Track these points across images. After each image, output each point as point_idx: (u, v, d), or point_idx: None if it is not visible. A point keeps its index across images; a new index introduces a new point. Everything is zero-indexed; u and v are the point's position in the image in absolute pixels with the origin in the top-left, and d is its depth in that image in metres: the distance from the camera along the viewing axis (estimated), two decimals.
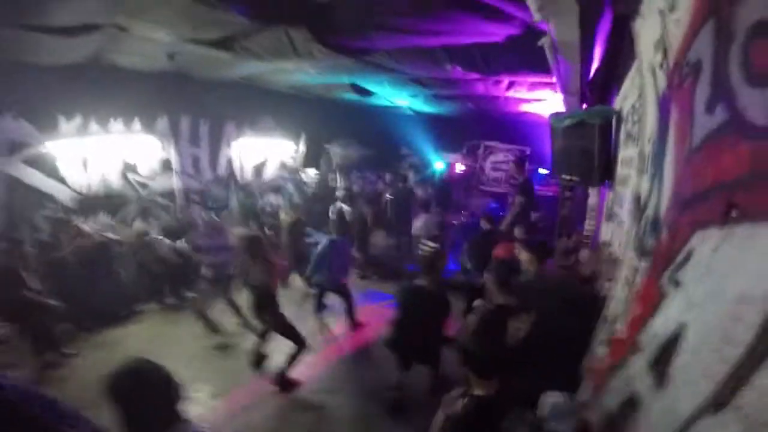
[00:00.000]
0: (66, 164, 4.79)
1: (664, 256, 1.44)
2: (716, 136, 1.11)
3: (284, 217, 6.80)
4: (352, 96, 6.51)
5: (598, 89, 3.66)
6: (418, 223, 5.96)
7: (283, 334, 3.53)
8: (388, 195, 7.96)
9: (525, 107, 6.29)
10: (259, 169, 7.38)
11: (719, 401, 0.80)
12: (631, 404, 1.24)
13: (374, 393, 3.61)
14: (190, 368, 3.96)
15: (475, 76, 4.28)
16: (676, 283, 1.23)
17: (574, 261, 4.54)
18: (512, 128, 8.76)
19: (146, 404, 1.32)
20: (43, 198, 4.64)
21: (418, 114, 8.95)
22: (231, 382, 3.84)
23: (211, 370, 4.05)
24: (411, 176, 9.47)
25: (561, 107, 4.11)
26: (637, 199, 2.20)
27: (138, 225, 5.39)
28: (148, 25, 3.27)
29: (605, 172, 2.91)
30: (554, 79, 3.53)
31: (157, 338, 4.57)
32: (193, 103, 5.95)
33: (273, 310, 3.45)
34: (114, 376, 1.31)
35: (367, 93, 6.34)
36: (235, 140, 6.82)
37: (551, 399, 2.00)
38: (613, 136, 2.83)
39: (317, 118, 7.66)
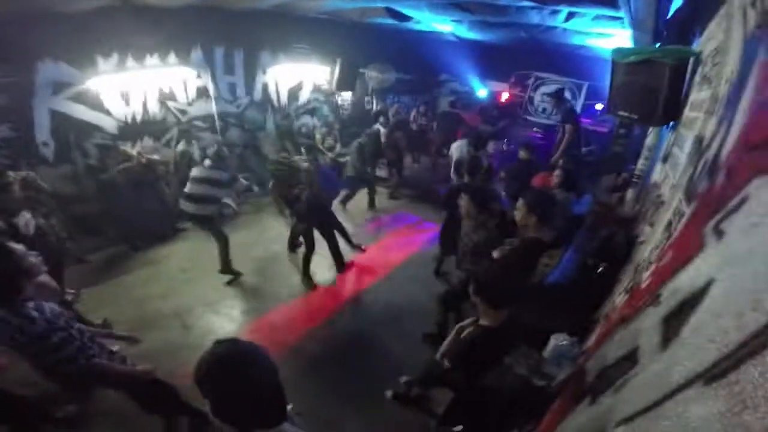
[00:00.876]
0: (108, 98, 5.01)
1: (713, 201, 1.24)
2: None
3: (318, 137, 7.23)
4: (389, 21, 5.99)
5: (677, 29, 3.24)
6: (454, 146, 5.77)
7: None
8: (422, 120, 8.40)
9: (584, 40, 5.50)
10: (294, 93, 7.39)
11: (714, 373, 0.70)
12: (628, 360, 1.16)
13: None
14: (226, 285, 4.42)
15: (528, 3, 3.68)
16: (719, 234, 1.06)
17: (617, 199, 4.27)
18: (568, 61, 7.91)
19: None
20: (91, 128, 4.96)
21: (462, 40, 8.21)
22: (264, 301, 4.21)
23: (246, 288, 4.45)
24: (447, 102, 9.33)
25: (627, 43, 3.57)
26: (698, 140, 1.93)
27: (180, 146, 5.75)
28: None
29: (671, 113, 2.71)
30: (623, 14, 3.01)
31: (199, 255, 4.97)
32: (226, 33, 5.91)
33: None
34: (218, 358, 1.07)
35: (404, 18, 5.80)
36: (270, 67, 6.77)
37: (556, 341, 1.99)
38: (687, 78, 2.60)
39: (353, 42, 7.32)
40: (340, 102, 8.27)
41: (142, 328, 3.59)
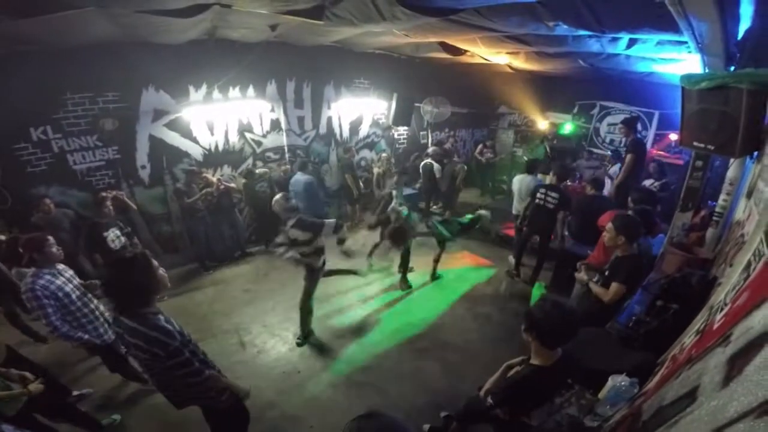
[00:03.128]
0: (197, 126, 5.73)
1: None
2: None
3: (377, 170, 7.50)
4: (443, 54, 6.21)
5: (751, 50, 2.98)
6: (516, 183, 5.65)
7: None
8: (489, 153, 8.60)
9: (651, 66, 5.21)
10: (355, 127, 7.80)
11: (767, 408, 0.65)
12: (687, 398, 1.06)
13: None
14: (284, 307, 4.67)
15: (585, 32, 3.64)
16: None
17: (695, 239, 3.87)
18: (635, 89, 7.50)
19: None
20: (181, 154, 5.68)
21: (518, 71, 8.16)
22: (316, 323, 4.32)
23: (297, 309, 4.60)
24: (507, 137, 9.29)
25: (698, 68, 3.36)
26: None
27: (259, 169, 6.26)
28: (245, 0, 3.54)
29: (752, 143, 2.52)
30: (686, 38, 2.87)
31: (262, 278, 5.41)
32: (296, 69, 6.47)
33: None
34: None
35: (457, 51, 5.98)
36: (334, 101, 7.25)
37: (614, 382, 1.84)
38: None
39: (408, 76, 7.65)
40: (396, 136, 8.55)
41: (202, 340, 3.83)
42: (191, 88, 5.52)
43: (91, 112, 4.80)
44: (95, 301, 2.94)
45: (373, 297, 4.91)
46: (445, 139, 8.81)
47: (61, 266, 2.82)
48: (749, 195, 2.79)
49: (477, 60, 6.82)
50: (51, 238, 2.74)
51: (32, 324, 3.95)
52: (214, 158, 6.00)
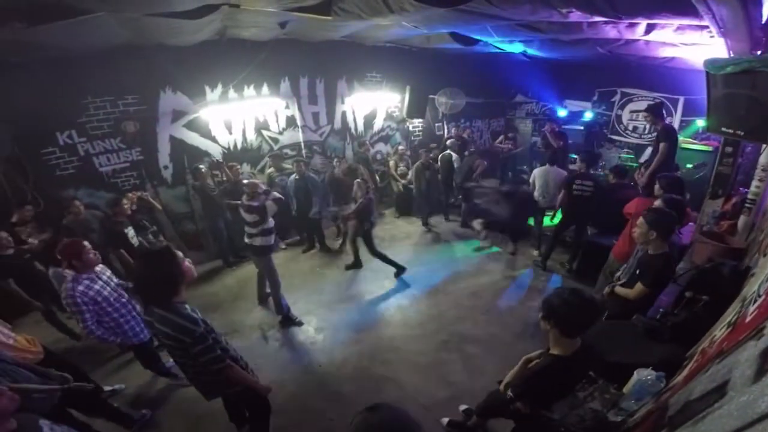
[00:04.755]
0: (215, 126, 5.84)
1: None
2: None
3: (392, 164, 7.55)
4: (455, 45, 6.10)
5: None
6: (539, 177, 5.51)
7: None
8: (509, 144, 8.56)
9: (673, 52, 4.98)
10: (369, 121, 7.80)
11: None
12: (716, 393, 1.03)
13: None
14: (305, 302, 4.75)
15: (600, 18, 3.51)
16: None
17: (726, 227, 3.72)
18: (658, 75, 7.21)
19: None
20: (201, 153, 5.79)
21: (534, 60, 7.96)
22: (337, 317, 4.44)
23: (318, 303, 4.75)
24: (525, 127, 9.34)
25: (723, 53, 3.19)
26: None
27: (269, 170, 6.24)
28: None
29: None
30: (707, 22, 2.73)
31: (284, 273, 5.44)
32: (308, 65, 6.48)
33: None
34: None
35: (470, 41, 5.84)
36: (348, 96, 7.25)
37: (639, 376, 1.79)
38: None
39: (421, 68, 7.55)
40: (411, 129, 8.51)
41: (226, 335, 3.98)
42: (207, 89, 5.62)
43: (112, 116, 4.94)
44: (132, 302, 3.05)
45: (390, 290, 4.94)
46: (462, 129, 8.66)
47: (99, 268, 2.91)
48: None
49: (490, 49, 6.69)
50: (87, 244, 2.82)
51: (67, 321, 4.13)
52: (233, 156, 6.09)
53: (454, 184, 7.00)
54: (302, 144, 6.89)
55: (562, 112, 9.09)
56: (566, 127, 8.23)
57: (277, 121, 6.51)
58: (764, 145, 3.33)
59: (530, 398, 1.92)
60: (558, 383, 1.87)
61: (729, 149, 4.11)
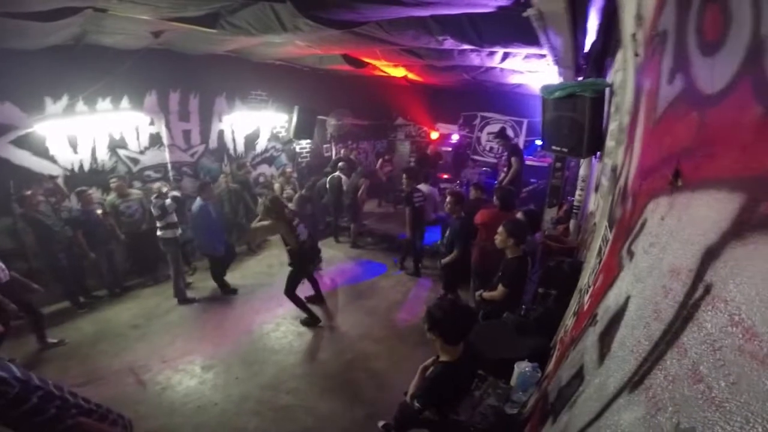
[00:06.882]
0: (55, 143, 4.76)
1: (625, 226, 1.44)
2: (674, 105, 1.09)
3: (277, 187, 7.08)
4: (345, 66, 6.31)
5: (595, 62, 3.56)
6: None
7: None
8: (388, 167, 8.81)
9: (521, 79, 6.10)
10: (251, 141, 7.34)
11: (635, 381, 0.79)
12: (577, 377, 1.26)
13: None
14: (184, 339, 4.20)
15: (468, 47, 4.11)
16: (631, 255, 1.23)
17: (562, 230, 4.61)
18: (509, 100, 8.68)
19: None
20: (34, 176, 4.61)
21: (414, 84, 8.78)
22: (225, 350, 4.01)
23: (200, 339, 4.24)
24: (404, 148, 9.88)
25: (556, 80, 4.00)
26: (614, 169, 2.18)
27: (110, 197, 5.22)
28: (126, 6, 3.11)
29: (594, 144, 2.93)
30: (546, 51, 3.38)
31: (154, 312, 4.82)
32: (182, 79, 5.86)
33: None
34: None
35: (360, 64, 6.16)
36: (227, 113, 6.73)
37: (519, 369, 2.08)
38: (606, 109, 2.81)
39: (310, 89, 7.55)
40: (298, 150, 8.26)
41: (88, 384, 3.39)
42: (48, 100, 4.60)
43: None
44: None
45: (286, 317, 4.69)
46: (350, 151, 8.84)
47: None
48: (597, 189, 3.39)
49: (377, 72, 7.08)
50: None
51: None
52: (79, 179, 5.01)
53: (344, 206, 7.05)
54: (169, 165, 6.05)
55: (434, 135, 10.07)
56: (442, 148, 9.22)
57: (138, 138, 5.63)
58: (581, 160, 4.23)
59: (435, 405, 2.04)
60: (453, 387, 2.04)
61: (558, 164, 5.14)
